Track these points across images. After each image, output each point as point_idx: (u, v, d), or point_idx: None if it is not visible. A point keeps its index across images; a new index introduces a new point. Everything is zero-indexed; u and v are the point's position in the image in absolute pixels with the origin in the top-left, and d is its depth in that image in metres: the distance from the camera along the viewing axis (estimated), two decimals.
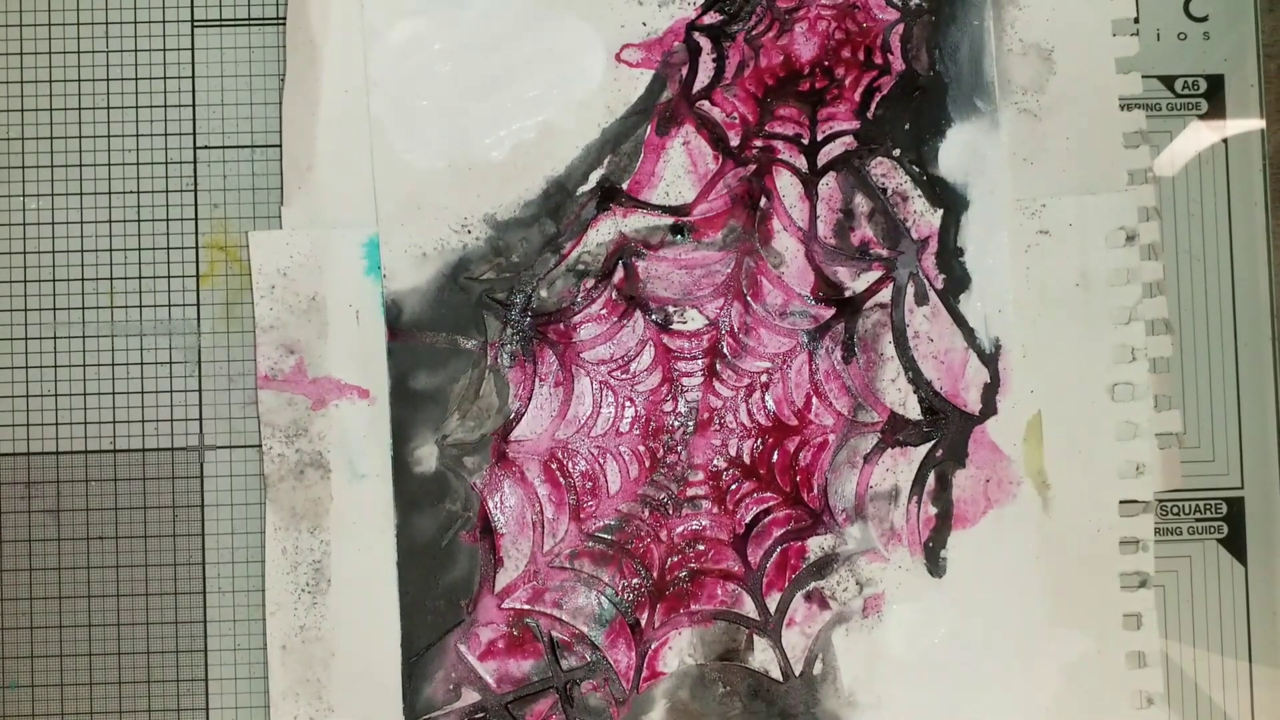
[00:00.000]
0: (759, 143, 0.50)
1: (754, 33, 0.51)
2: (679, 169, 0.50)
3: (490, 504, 0.50)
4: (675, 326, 0.50)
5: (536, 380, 0.50)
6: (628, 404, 0.50)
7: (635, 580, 0.50)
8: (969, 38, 0.51)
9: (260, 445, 0.50)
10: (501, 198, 0.50)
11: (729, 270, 0.50)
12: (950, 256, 0.50)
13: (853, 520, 0.50)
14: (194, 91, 0.51)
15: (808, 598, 0.50)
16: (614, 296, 0.50)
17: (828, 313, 0.50)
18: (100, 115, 0.51)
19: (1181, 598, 0.52)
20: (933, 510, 0.50)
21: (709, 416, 0.50)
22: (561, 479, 0.50)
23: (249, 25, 0.52)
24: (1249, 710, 0.52)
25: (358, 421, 0.49)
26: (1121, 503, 0.50)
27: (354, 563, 0.49)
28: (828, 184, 0.50)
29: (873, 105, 0.51)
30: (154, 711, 0.50)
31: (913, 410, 0.50)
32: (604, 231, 0.50)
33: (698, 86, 0.50)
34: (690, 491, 0.50)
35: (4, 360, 0.51)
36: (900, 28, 0.51)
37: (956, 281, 0.50)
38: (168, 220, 0.51)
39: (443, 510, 0.49)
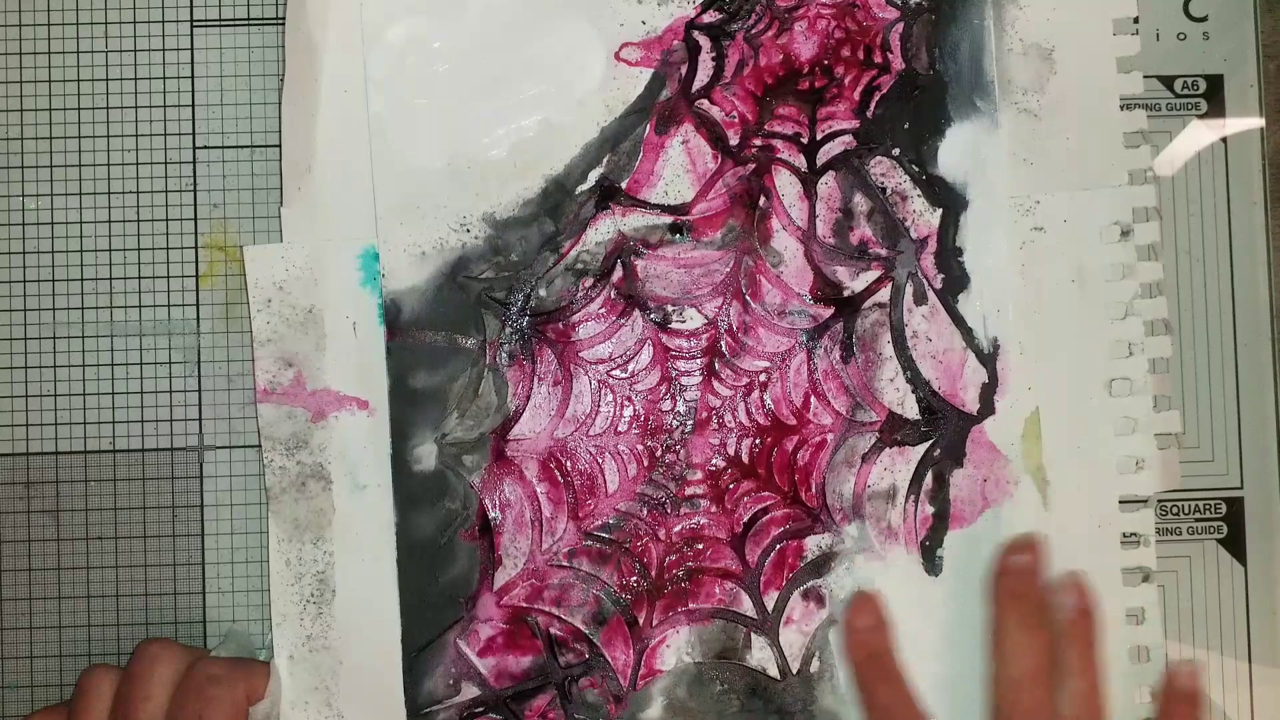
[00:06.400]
0: (758, 142, 0.50)
1: (753, 31, 0.51)
2: (678, 168, 0.50)
3: (489, 502, 0.50)
4: (674, 326, 0.50)
5: (535, 379, 0.50)
6: (626, 403, 0.50)
7: (633, 579, 0.50)
8: (969, 37, 0.51)
9: (260, 455, 0.50)
10: (501, 196, 0.50)
11: (728, 269, 0.50)
12: (949, 256, 0.50)
13: (850, 519, 0.50)
14: (193, 91, 0.51)
15: (805, 596, 0.50)
16: (613, 295, 0.50)
17: (826, 312, 0.50)
18: (100, 115, 0.51)
19: (1181, 597, 0.52)
20: (930, 510, 0.50)
21: (707, 416, 0.50)
22: (560, 478, 0.50)
23: (248, 25, 0.52)
24: (1249, 710, 0.52)
25: (357, 433, 0.50)
26: (1121, 500, 0.50)
27: (357, 572, 0.49)
28: (827, 183, 0.50)
29: (872, 104, 0.51)
30: None
31: (911, 410, 0.50)
32: (603, 230, 0.50)
33: (697, 85, 0.50)
34: (689, 490, 0.50)
35: (4, 360, 0.51)
36: (900, 26, 0.51)
37: (955, 281, 0.50)
38: (167, 220, 0.51)
39: (442, 508, 0.50)
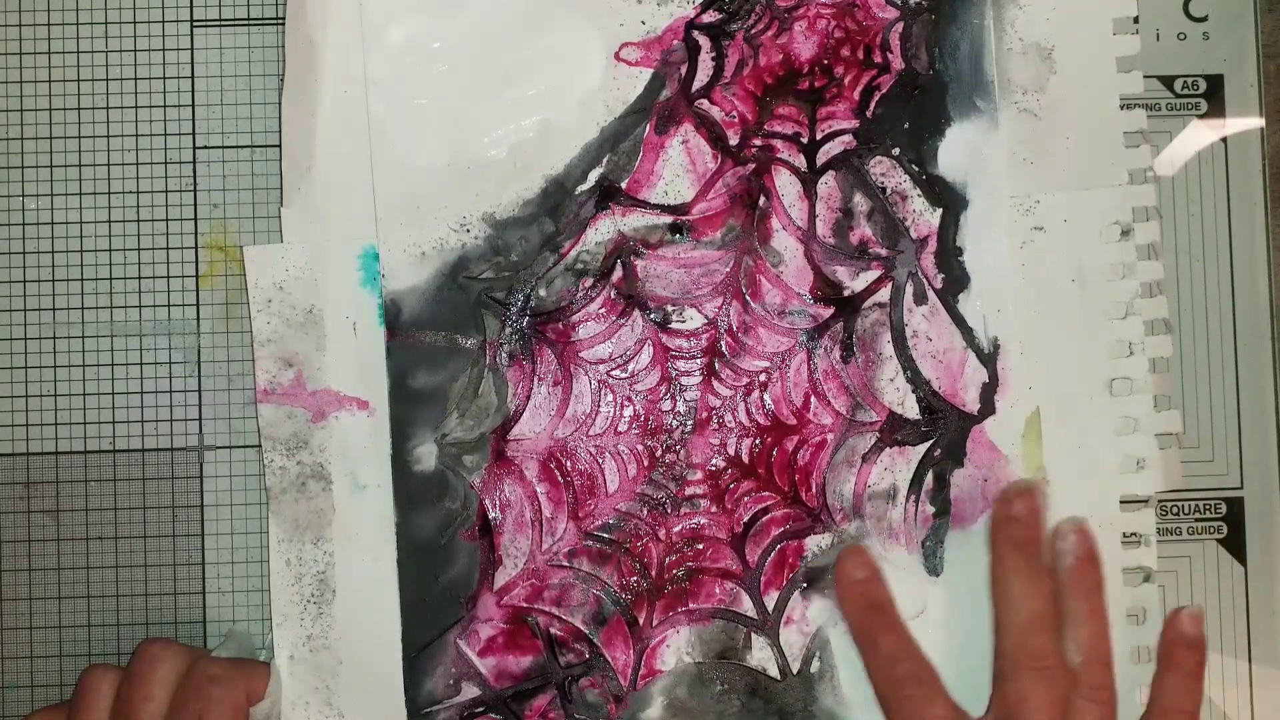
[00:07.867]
0: (758, 141, 0.50)
1: (753, 31, 0.51)
2: (678, 168, 0.50)
3: (489, 502, 0.50)
4: (674, 325, 0.50)
5: (535, 379, 0.50)
6: (626, 403, 0.50)
7: (634, 579, 0.50)
8: (969, 36, 0.51)
9: (260, 452, 0.50)
10: (500, 197, 0.50)
11: (728, 269, 0.50)
12: (949, 256, 0.50)
13: (851, 519, 0.50)
14: (193, 91, 0.51)
15: (805, 596, 0.50)
16: (613, 295, 0.50)
17: (826, 312, 0.50)
18: (100, 115, 0.51)
19: (1181, 598, 0.52)
20: (930, 509, 0.50)
21: (708, 416, 0.50)
22: (560, 478, 0.50)
23: (248, 25, 0.52)
24: (1249, 710, 0.52)
25: (358, 433, 0.50)
26: (1122, 501, 0.50)
27: (358, 572, 0.49)
28: (827, 183, 0.50)
29: (872, 104, 0.51)
30: None
31: (911, 410, 0.50)
32: (603, 230, 0.50)
33: (697, 85, 0.50)
34: (689, 490, 0.50)
35: (4, 360, 0.51)
36: (900, 26, 0.51)
37: (955, 281, 0.50)
38: (167, 220, 0.51)
39: (442, 509, 0.50)
